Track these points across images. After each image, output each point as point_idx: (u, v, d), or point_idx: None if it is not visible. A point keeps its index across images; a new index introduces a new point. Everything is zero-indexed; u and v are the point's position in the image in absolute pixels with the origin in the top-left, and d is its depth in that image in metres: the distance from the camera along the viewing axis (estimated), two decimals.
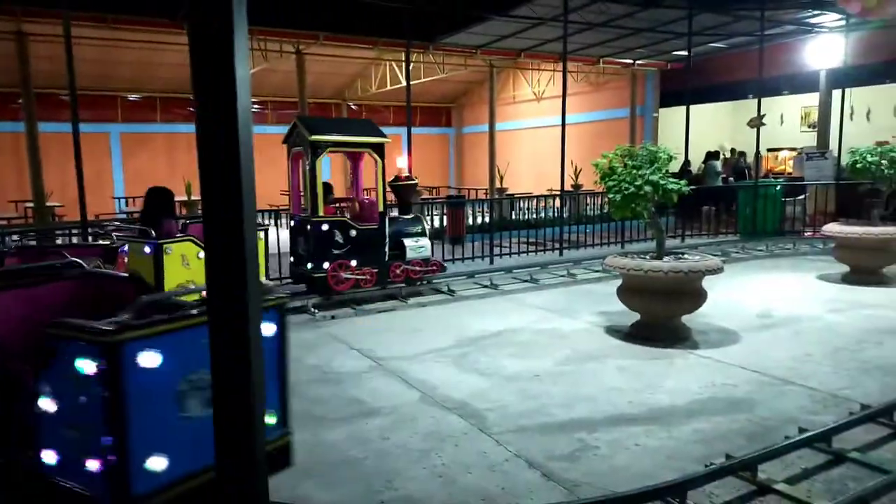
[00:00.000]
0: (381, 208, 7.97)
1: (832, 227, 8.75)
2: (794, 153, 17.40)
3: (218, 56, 1.11)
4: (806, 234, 12.87)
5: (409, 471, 3.68)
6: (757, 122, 13.43)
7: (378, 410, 4.58)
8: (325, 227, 7.66)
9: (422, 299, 8.14)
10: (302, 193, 8.07)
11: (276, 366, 2.99)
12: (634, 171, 6.14)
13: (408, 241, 8.27)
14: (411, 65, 16.81)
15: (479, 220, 13.55)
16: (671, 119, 18.03)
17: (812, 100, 16.70)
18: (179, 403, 2.47)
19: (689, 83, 13.56)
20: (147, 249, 5.95)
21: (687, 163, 15.23)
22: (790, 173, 17.10)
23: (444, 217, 12.64)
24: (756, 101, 13.86)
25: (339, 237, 7.73)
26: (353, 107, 23.77)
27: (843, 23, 13.96)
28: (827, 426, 3.86)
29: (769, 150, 18.10)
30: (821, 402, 4.58)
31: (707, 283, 6.34)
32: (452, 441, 4.06)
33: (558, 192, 12.61)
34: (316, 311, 7.46)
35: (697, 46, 16.27)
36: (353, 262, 7.78)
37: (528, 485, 3.51)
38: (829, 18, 14.22)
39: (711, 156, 16.46)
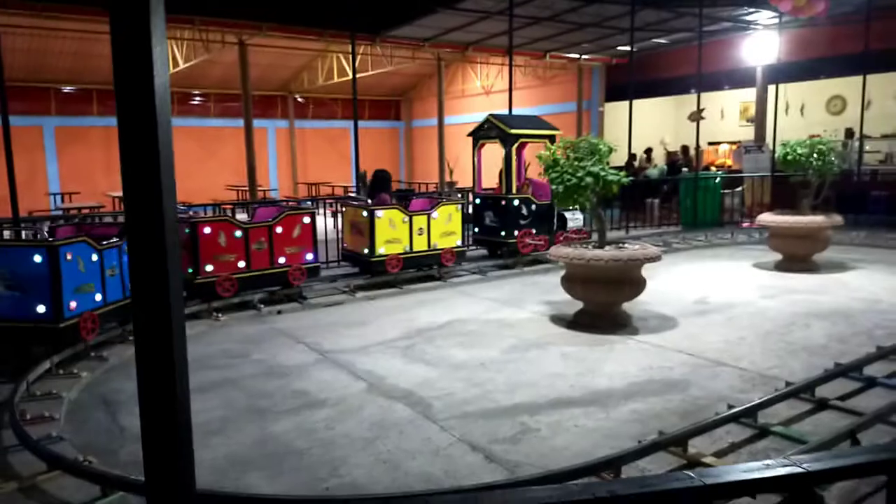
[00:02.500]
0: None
1: (766, 217, 9.14)
2: (734, 146, 18.03)
3: (135, 41, 1.11)
4: (744, 224, 13.38)
5: (354, 458, 3.72)
6: (697, 116, 13.87)
7: (324, 402, 4.59)
8: (516, 202, 9.76)
9: (369, 293, 8.15)
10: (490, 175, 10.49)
11: None
12: (576, 163, 6.29)
13: (568, 214, 10.30)
14: (359, 57, 16.73)
15: None
16: (616, 113, 18.42)
17: (750, 95, 17.32)
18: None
19: (633, 78, 13.90)
20: (365, 213, 8.36)
21: (632, 157, 15.64)
22: (730, 166, 17.71)
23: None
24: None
25: (524, 210, 9.84)
26: (299, 100, 23.44)
27: (776, 20, 14.55)
28: (753, 402, 4.06)
29: (710, 143, 18.69)
30: (750, 382, 4.81)
31: (649, 271, 6.56)
32: (398, 429, 4.11)
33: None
34: (261, 306, 7.38)
35: (640, 42, 16.68)
36: (534, 231, 9.74)
37: (471, 467, 3.58)
38: (764, 16, 14.79)
39: (647, 153, 16.96)
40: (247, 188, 15.20)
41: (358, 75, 14.05)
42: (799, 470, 1.22)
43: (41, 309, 5.25)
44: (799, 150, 8.85)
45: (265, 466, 3.67)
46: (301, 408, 4.49)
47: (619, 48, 17.55)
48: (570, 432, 4.01)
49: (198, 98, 21.74)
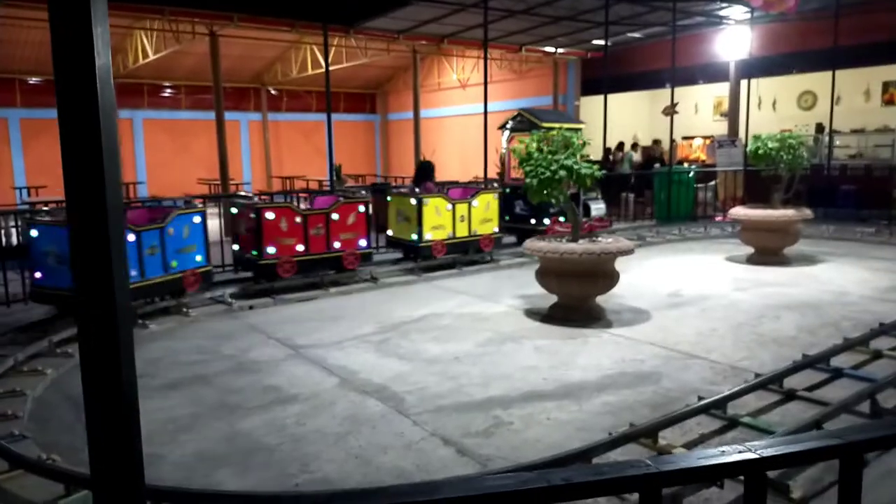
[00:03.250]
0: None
1: (738, 211, 9.26)
2: (707, 141, 18.23)
3: (74, 21, 1.05)
4: (717, 218, 13.54)
5: (325, 454, 3.68)
6: (671, 111, 13.98)
7: (295, 397, 4.54)
8: (508, 192, 10.64)
9: (343, 288, 8.08)
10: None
11: None
12: (550, 157, 6.29)
13: (592, 204, 11.00)
14: (332, 49, 16.56)
15: None
16: (592, 107, 18.51)
17: (723, 89, 17.51)
18: None
19: (608, 72, 13.96)
20: (413, 201, 8.92)
21: (608, 150, 15.72)
22: (704, 160, 17.92)
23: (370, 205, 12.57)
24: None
25: (521, 203, 10.42)
26: (272, 92, 23.16)
27: (748, 15, 14.71)
28: (722, 394, 4.10)
29: (684, 137, 18.88)
30: (721, 373, 4.86)
31: (622, 265, 6.59)
32: (370, 424, 4.08)
33: (481, 181, 12.76)
34: (233, 301, 7.29)
35: (615, 36, 16.75)
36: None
37: (443, 461, 3.57)
38: (737, 11, 14.93)
39: (621, 147, 17.08)
40: (219, 182, 14.98)
41: (332, 67, 13.89)
42: (753, 456, 1.23)
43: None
44: (770, 145, 8.97)
45: (234, 463, 3.61)
46: (272, 403, 4.43)
47: (594, 42, 17.60)
48: (543, 425, 4.02)
49: (169, 90, 21.36)
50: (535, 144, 6.45)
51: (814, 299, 7.02)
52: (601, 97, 13.66)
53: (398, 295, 7.78)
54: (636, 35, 17.55)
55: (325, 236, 8.00)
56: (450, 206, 9.15)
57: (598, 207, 11.10)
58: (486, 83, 12.09)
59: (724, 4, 14.31)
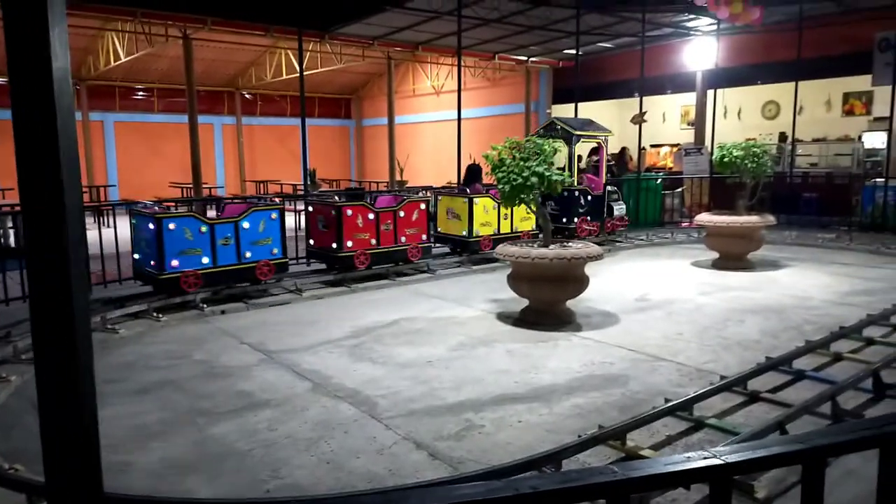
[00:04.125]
0: (604, 181, 11.74)
1: (704, 217, 9.46)
2: (675, 149, 18.58)
3: (30, 21, 1.05)
4: (683, 224, 13.81)
5: (296, 459, 3.68)
6: (639, 119, 14.23)
7: (267, 402, 4.53)
8: (577, 193, 11.26)
9: (317, 291, 8.07)
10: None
11: None
12: (522, 163, 6.38)
13: (615, 205, 11.91)
14: (307, 54, 16.53)
15: None
16: (563, 115, 18.75)
17: (690, 99, 17.89)
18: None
19: (579, 81, 14.16)
20: (464, 200, 9.91)
21: (579, 158, 15.90)
22: (671, 168, 18.25)
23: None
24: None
25: (582, 200, 11.34)
26: (247, 96, 23.00)
27: (715, 27, 15.06)
28: (688, 396, 4.21)
29: (652, 145, 19.22)
30: (687, 376, 4.97)
31: (592, 269, 6.70)
32: (342, 428, 4.09)
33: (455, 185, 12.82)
34: (204, 305, 7.22)
35: (586, 46, 17.03)
36: (589, 218, 11.12)
37: (415, 465, 3.60)
38: (704, 23, 15.29)
39: (595, 151, 17.27)
40: (191, 186, 14.82)
41: (307, 72, 13.88)
42: (718, 462, 1.27)
43: (153, 263, 7.11)
44: (735, 153, 9.20)
45: (204, 469, 3.60)
46: (243, 409, 4.42)
47: (566, 51, 17.86)
48: (514, 428, 4.07)
49: (141, 93, 21.08)
50: (507, 151, 6.54)
51: (777, 303, 7.21)
52: (572, 105, 13.86)
53: (372, 299, 7.78)
54: (606, 45, 17.85)
55: (393, 231, 8.92)
56: (495, 206, 10.11)
57: (619, 208, 11.98)
58: (459, 90, 12.19)
59: (691, 16, 14.65)
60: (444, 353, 5.63)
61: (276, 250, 7.85)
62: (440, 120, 21.32)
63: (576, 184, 11.20)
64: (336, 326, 6.51)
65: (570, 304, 6.72)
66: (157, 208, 7.92)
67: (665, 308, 7.11)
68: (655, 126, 19.16)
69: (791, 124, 14.17)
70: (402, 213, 9.00)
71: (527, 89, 19.83)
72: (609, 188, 12.02)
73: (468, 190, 10.44)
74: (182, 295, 7.13)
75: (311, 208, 9.09)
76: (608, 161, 13.43)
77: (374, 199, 9.45)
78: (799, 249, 11.03)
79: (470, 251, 9.96)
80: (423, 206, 9.31)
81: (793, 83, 13.63)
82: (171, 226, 6.99)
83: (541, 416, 4.24)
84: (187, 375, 5.12)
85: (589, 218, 11.35)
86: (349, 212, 8.54)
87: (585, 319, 6.62)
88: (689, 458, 1.30)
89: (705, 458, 1.28)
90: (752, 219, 9.05)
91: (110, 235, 8.07)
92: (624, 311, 6.94)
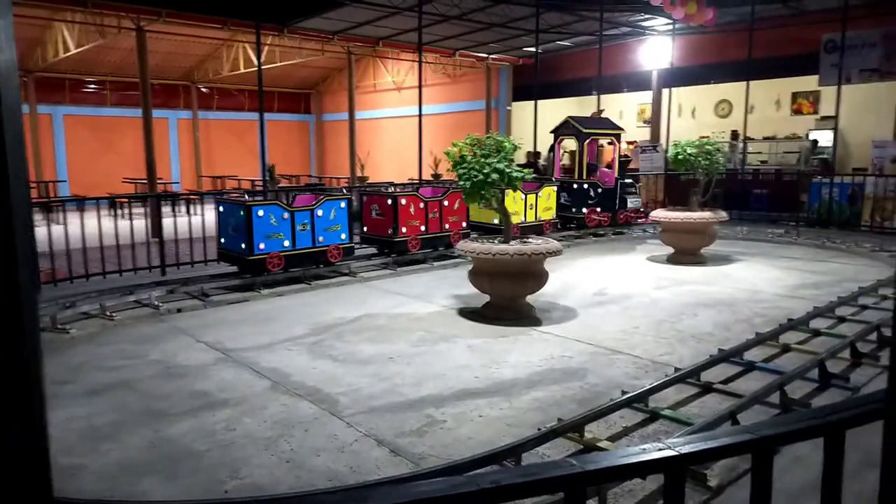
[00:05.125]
0: (616, 175, 12.55)
1: (659, 213, 9.66)
2: (631, 146, 18.90)
3: None
4: (639, 220, 14.06)
5: (255, 459, 3.64)
6: (597, 117, 14.42)
7: (225, 402, 4.46)
8: (585, 185, 12.36)
9: (278, 289, 7.98)
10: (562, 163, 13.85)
11: None
12: (483, 160, 6.41)
13: (629, 198, 12.62)
14: (266, 48, 16.27)
15: None
16: (523, 112, 18.90)
17: (646, 97, 18.22)
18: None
19: (538, 78, 14.30)
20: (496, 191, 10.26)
21: (536, 154, 16.08)
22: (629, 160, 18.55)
23: None
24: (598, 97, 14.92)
25: (591, 192, 12.30)
26: (203, 90, 22.52)
27: (670, 27, 15.38)
28: (644, 388, 4.31)
29: (609, 143, 19.49)
30: (643, 368, 5.09)
31: (551, 265, 6.79)
32: (302, 427, 4.06)
33: (416, 181, 12.83)
34: (160, 304, 7.07)
35: (545, 44, 17.19)
36: (598, 209, 12.23)
37: (376, 462, 3.60)
38: (659, 22, 15.60)
39: (551, 149, 17.49)
40: (146, 181, 14.44)
41: (265, 67, 13.64)
42: (673, 453, 1.31)
43: (243, 245, 7.94)
44: (689, 151, 9.42)
45: (161, 471, 3.53)
46: (200, 409, 4.35)
47: (526, 49, 18.00)
48: (475, 422, 4.10)
49: (93, 85, 20.43)
50: (467, 148, 6.56)
51: (729, 297, 7.42)
52: (532, 103, 13.98)
53: (332, 296, 7.73)
54: (565, 43, 18.05)
55: (439, 219, 9.93)
56: (522, 196, 11.06)
57: (634, 200, 12.66)
58: (420, 86, 12.18)
59: (647, 16, 14.92)
60: (405, 348, 5.63)
61: (343, 235, 8.77)
62: (401, 116, 21.26)
63: (584, 178, 12.42)
64: (298, 324, 6.45)
65: (530, 299, 6.79)
66: (246, 196, 9.14)
67: (622, 302, 7.25)
68: None
69: (743, 123, 14.58)
70: (446, 203, 10.04)
71: (487, 86, 19.92)
72: (625, 182, 12.76)
73: None
74: (267, 274, 8.04)
75: (364, 198, 10.09)
76: (613, 158, 13.86)
77: (416, 188, 10.67)
78: (750, 244, 11.37)
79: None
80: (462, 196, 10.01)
81: (744, 83, 14.02)
82: (260, 212, 7.94)
83: (501, 410, 4.29)
84: (142, 376, 5.01)
85: (599, 209, 12.19)
86: (403, 201, 9.51)
87: (545, 314, 6.70)
88: (644, 449, 1.33)
89: (660, 449, 1.31)
90: (706, 215, 9.29)
91: (61, 233, 7.83)
92: (582, 306, 7.05)
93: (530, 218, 11.34)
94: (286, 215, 8.12)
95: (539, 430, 3.74)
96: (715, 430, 3.72)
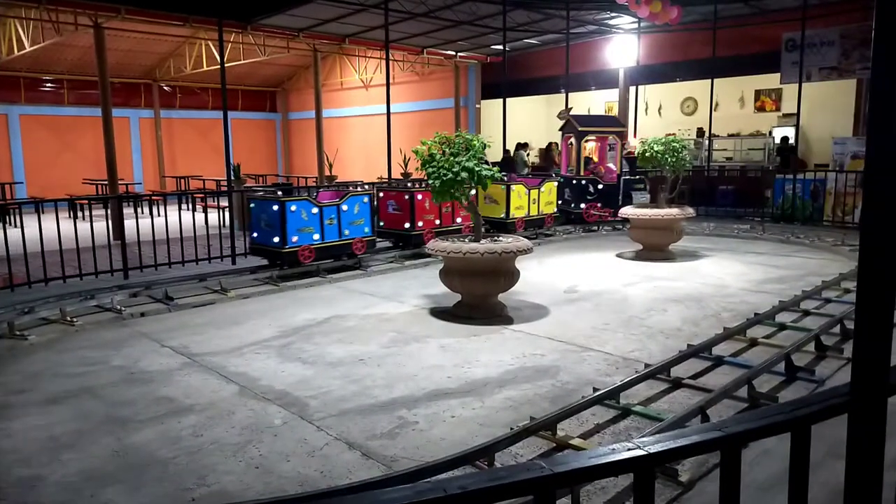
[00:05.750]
0: (618, 171, 13.03)
1: (628, 210, 9.76)
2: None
3: None
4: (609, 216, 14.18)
5: (223, 465, 3.56)
6: (565, 115, 14.51)
7: (191, 408, 4.35)
8: (583, 182, 12.94)
9: (244, 291, 7.84)
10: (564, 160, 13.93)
11: None
12: (452, 159, 6.38)
13: (634, 194, 12.77)
14: (229, 45, 16.00)
15: None
16: (492, 110, 18.93)
17: (613, 95, 18.41)
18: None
19: (507, 76, 14.33)
20: (503, 187, 11.32)
21: (507, 152, 16.13)
22: (596, 162, 18.71)
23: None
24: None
25: (590, 188, 12.76)
26: (165, 88, 22.06)
27: (636, 25, 15.55)
28: (615, 385, 4.33)
29: None
30: (614, 365, 5.11)
31: (522, 263, 6.79)
32: (271, 431, 3.98)
33: (386, 181, 12.75)
34: (123, 308, 6.89)
35: (513, 42, 17.23)
36: (599, 205, 12.54)
37: (348, 465, 3.54)
38: (625, 21, 15.76)
39: (521, 146, 17.60)
40: (107, 182, 14.07)
41: (229, 64, 13.43)
42: (642, 452, 1.29)
43: (276, 239, 8.47)
44: (656, 148, 9.53)
45: (125, 480, 3.42)
46: (166, 415, 4.23)
47: (494, 47, 18.02)
48: (447, 423, 4.07)
49: (50, 84, 19.84)
50: (436, 146, 6.52)
51: (696, 292, 7.52)
52: (500, 101, 14.00)
53: (301, 298, 7.63)
54: (533, 41, 18.11)
55: (451, 213, 10.54)
56: (527, 191, 11.71)
57: (639, 197, 12.81)
58: (388, 84, 12.10)
59: (613, 14, 15.05)
60: (376, 349, 5.58)
61: (367, 229, 9.31)
62: (369, 114, 21.11)
63: (581, 174, 13.08)
64: (266, 326, 6.34)
65: (501, 297, 6.78)
66: (279, 193, 10.01)
67: (593, 299, 7.30)
68: None
69: (708, 120, 14.82)
70: None
71: (456, 84, 19.90)
72: (632, 178, 13.12)
73: (505, 178, 11.84)
74: (300, 266, 8.59)
75: (381, 194, 10.45)
76: (593, 156, 14.13)
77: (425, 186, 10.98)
78: (716, 240, 11.55)
79: (506, 231, 11.14)
80: (472, 192, 10.31)
81: (709, 80, 14.25)
82: (293, 208, 8.45)
83: (474, 410, 4.26)
84: (104, 382, 4.86)
85: (600, 205, 12.62)
86: (419, 196, 9.99)
87: (517, 312, 6.70)
88: (613, 449, 1.32)
89: (629, 449, 1.30)
90: (673, 211, 9.40)
91: (18, 236, 7.58)
92: (554, 303, 7.07)
93: (533, 212, 11.87)
94: (315, 210, 8.63)
95: (512, 429, 3.73)
96: (684, 428, 3.75)
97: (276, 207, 8.40)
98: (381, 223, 10.33)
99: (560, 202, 12.93)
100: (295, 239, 8.44)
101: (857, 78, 14.05)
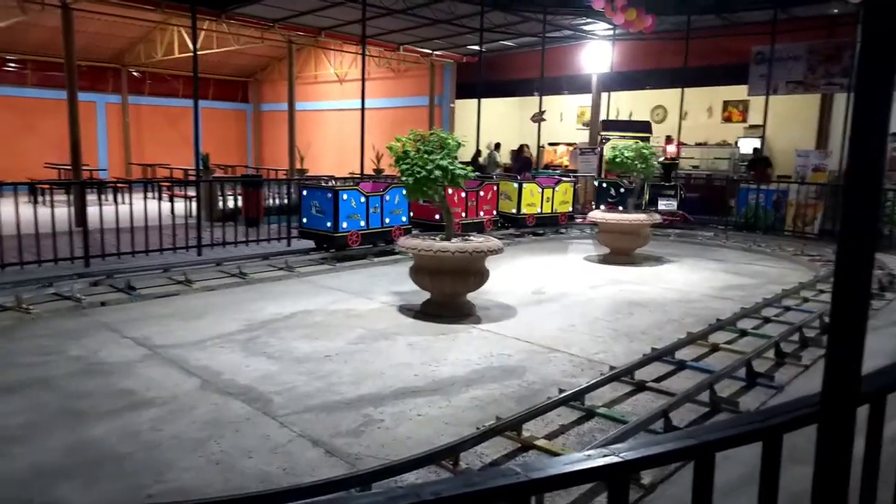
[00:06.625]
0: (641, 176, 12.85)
1: (596, 215, 9.86)
2: (571, 148, 19.25)
3: None
4: (577, 220, 14.31)
5: (182, 461, 3.48)
6: (538, 118, 14.61)
7: (151, 401, 4.25)
8: (604, 184, 13.46)
9: (209, 283, 7.70)
10: None
11: None
12: (426, 156, 6.36)
13: (661, 199, 13.22)
14: (202, 33, 15.69)
15: (278, 201, 13.08)
16: (467, 110, 18.93)
17: (586, 100, 18.58)
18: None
19: (482, 77, 14.35)
20: (515, 185, 12.40)
21: (478, 152, 16.16)
22: (567, 166, 18.89)
23: (240, 197, 12.10)
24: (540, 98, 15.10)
25: (612, 191, 13.09)
26: (135, 74, 21.55)
27: (611, 32, 15.71)
28: (580, 387, 4.36)
29: (550, 143, 19.81)
30: (579, 367, 5.15)
31: (492, 263, 6.80)
32: (233, 427, 3.91)
33: (359, 175, 12.65)
34: (82, 297, 6.70)
35: (489, 43, 17.26)
36: (620, 208, 11.53)
37: (311, 463, 3.50)
38: (600, 27, 15.91)
39: (494, 147, 17.66)
40: (70, 167, 13.67)
41: (201, 52, 13.14)
42: (617, 459, 1.29)
43: (328, 224, 9.33)
44: (626, 154, 9.64)
45: (79, 475, 3.32)
46: (124, 409, 4.13)
47: (470, 47, 18.02)
48: (413, 421, 4.05)
49: (13, 64, 19.21)
50: (410, 144, 6.49)
51: (661, 297, 7.63)
52: (475, 101, 14.02)
53: (268, 292, 7.53)
54: (509, 43, 18.17)
55: (476, 207, 11.63)
56: (540, 190, 12.65)
57: (666, 203, 13.22)
58: (363, 79, 12.02)
59: (589, 20, 15.18)
60: (343, 346, 5.52)
61: (404, 218, 10.15)
62: (343, 108, 20.94)
63: (602, 176, 13.66)
64: (231, 319, 6.23)
65: (470, 296, 6.79)
66: (334, 182, 10.80)
67: (560, 301, 7.35)
68: (553, 125, 19.75)
69: (677, 128, 15.05)
70: (482, 193, 11.65)
71: (431, 82, 19.85)
72: (664, 182, 13.41)
73: (518, 177, 13.23)
74: (348, 249, 9.43)
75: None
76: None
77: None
78: (681, 246, 11.74)
79: (518, 226, 12.45)
80: (495, 188, 12.04)
81: (679, 89, 14.47)
82: (345, 196, 9.30)
83: (440, 408, 4.25)
84: (60, 373, 4.72)
85: (621, 208, 12.57)
86: (449, 190, 10.08)
87: (485, 312, 6.71)
88: (589, 456, 1.31)
89: (604, 455, 1.30)
90: (640, 217, 9.53)
91: None
92: (521, 304, 7.10)
93: (546, 210, 12.70)
94: (363, 199, 9.45)
95: (478, 428, 3.72)
96: (658, 435, 3.80)
97: (329, 196, 9.28)
98: (412, 213, 10.72)
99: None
100: (345, 225, 9.34)
101: (821, 92, 14.43)
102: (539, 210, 12.61)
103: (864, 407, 1.54)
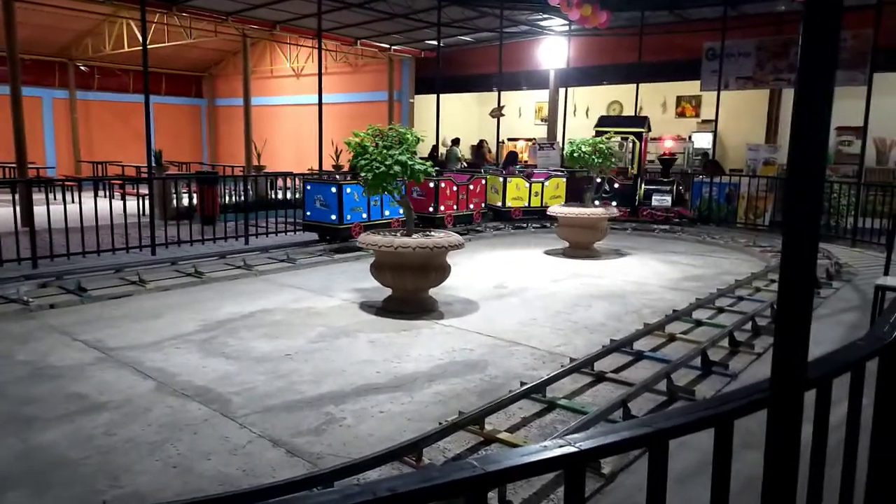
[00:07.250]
0: (634, 172, 13.58)
1: (556, 209, 9.95)
2: (530, 143, 19.41)
3: None
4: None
5: (138, 465, 3.39)
6: (497, 113, 14.68)
7: (104, 405, 4.13)
8: (598, 180, 12.06)
9: (164, 283, 7.52)
10: None
11: None
12: (385, 152, 6.32)
13: (654, 196, 13.38)
14: (153, 26, 15.28)
15: (234, 198, 12.83)
16: (426, 105, 18.91)
17: (544, 96, 18.75)
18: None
19: (441, 72, 14.33)
20: (500, 179, 13.18)
21: (434, 148, 16.17)
22: (526, 161, 19.04)
23: (195, 195, 11.83)
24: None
25: (606, 186, 12.40)
26: (82, 68, 20.85)
27: (567, 28, 15.88)
28: (541, 379, 4.40)
29: (509, 139, 19.94)
30: (540, 359, 5.21)
31: (453, 258, 6.81)
32: (191, 429, 3.83)
33: (317, 172, 12.53)
34: (30, 300, 6.47)
35: (447, 38, 17.26)
36: (615, 203, 12.25)
37: (271, 463, 3.45)
38: (557, 23, 16.06)
39: (454, 142, 17.69)
40: (14, 165, 13.15)
41: (152, 46, 12.78)
42: (573, 449, 1.31)
43: (333, 217, 9.96)
44: (584, 149, 9.76)
45: (29, 483, 3.21)
46: (76, 413, 4.00)
47: (428, 42, 18.00)
48: (376, 418, 4.04)
49: None
50: (369, 139, 6.44)
51: (619, 289, 7.76)
52: (434, 96, 14.00)
53: (226, 291, 7.40)
54: (467, 38, 18.20)
55: (466, 200, 12.27)
56: (527, 185, 13.26)
57: (660, 199, 13.36)
58: (320, 74, 11.88)
59: (545, 16, 15.31)
60: (303, 344, 5.46)
61: (402, 210, 10.02)
62: (300, 104, 20.65)
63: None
64: (187, 320, 6.10)
65: (432, 292, 6.78)
66: (337, 177, 11.49)
67: (521, 295, 7.41)
68: (512, 120, 19.88)
69: None
70: (472, 187, 12.36)
71: (389, 77, 19.75)
72: (661, 179, 13.62)
73: (504, 171, 13.89)
74: (351, 240, 9.75)
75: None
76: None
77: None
78: (638, 239, 11.96)
79: (503, 218, 13.04)
80: (483, 181, 12.85)
81: (634, 85, 14.72)
82: (348, 190, 9.92)
83: (402, 405, 4.24)
84: (8, 378, 4.55)
85: (615, 203, 12.59)
86: (442, 184, 11.63)
87: (447, 307, 6.72)
88: (545, 447, 1.32)
89: (560, 446, 1.31)
90: (598, 211, 9.67)
91: None
92: (483, 299, 7.14)
93: (535, 203, 13.18)
94: (364, 193, 9.64)
95: (440, 423, 3.73)
96: (609, 422, 3.86)
97: (334, 190, 9.89)
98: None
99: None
100: (349, 217, 9.94)
101: (770, 88, 14.86)
102: (527, 203, 13.14)
103: (812, 392, 1.60)
